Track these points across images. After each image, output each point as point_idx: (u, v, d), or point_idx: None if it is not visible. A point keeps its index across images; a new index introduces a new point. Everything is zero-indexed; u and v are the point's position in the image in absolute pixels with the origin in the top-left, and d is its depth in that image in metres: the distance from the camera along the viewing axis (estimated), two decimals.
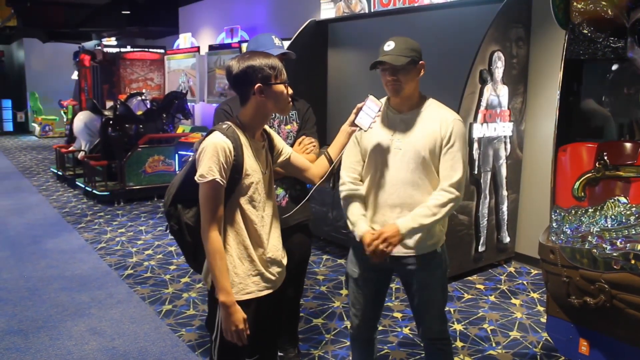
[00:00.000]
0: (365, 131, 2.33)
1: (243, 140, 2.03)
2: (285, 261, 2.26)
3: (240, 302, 2.04)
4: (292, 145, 2.73)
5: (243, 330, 2.01)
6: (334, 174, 2.47)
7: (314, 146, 2.73)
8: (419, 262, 2.37)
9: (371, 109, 2.26)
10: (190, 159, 2.16)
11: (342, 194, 2.47)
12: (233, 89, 2.09)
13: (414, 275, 2.39)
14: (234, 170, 1.98)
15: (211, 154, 1.94)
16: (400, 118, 2.35)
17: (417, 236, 2.32)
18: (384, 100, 2.43)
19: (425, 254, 2.36)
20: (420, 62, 2.29)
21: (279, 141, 2.27)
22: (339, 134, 2.39)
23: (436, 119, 2.30)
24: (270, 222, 2.16)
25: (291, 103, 2.16)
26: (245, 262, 2.06)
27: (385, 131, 2.36)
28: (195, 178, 1.96)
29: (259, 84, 2.00)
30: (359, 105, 2.28)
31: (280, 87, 2.04)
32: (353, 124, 2.31)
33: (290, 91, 2.10)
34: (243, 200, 2.04)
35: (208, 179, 1.93)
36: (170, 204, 2.12)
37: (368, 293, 2.50)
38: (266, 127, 2.23)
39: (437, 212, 2.25)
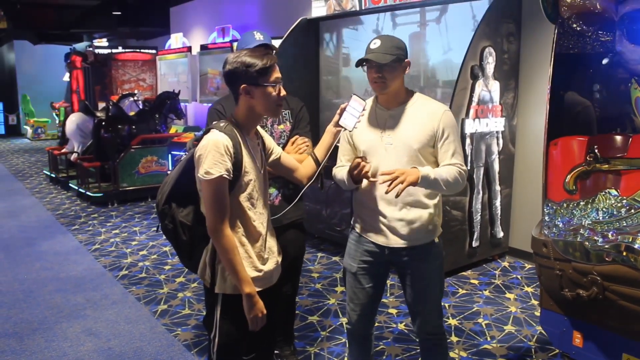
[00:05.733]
0: (350, 131, 2.35)
1: (240, 138, 2.04)
2: (280, 258, 2.27)
3: (238, 297, 2.05)
4: (285, 145, 2.73)
5: (265, 316, 2.08)
6: (321, 174, 2.48)
7: (307, 146, 2.71)
8: (416, 253, 2.38)
9: (355, 108, 2.27)
10: (183, 158, 2.16)
11: (334, 176, 2.50)
12: (227, 85, 2.09)
13: (411, 266, 2.41)
14: (234, 167, 1.99)
15: (214, 151, 1.94)
16: (389, 114, 2.36)
17: (415, 227, 2.35)
18: (371, 99, 2.44)
19: (422, 245, 2.38)
20: (406, 60, 2.31)
21: (269, 141, 2.28)
22: (324, 134, 2.40)
23: (425, 112, 2.33)
24: (266, 219, 2.18)
25: (281, 105, 2.15)
26: (243, 258, 2.07)
27: (375, 128, 2.38)
28: (200, 175, 1.96)
29: (244, 85, 2.00)
30: (342, 105, 2.30)
31: (268, 89, 2.03)
32: (338, 125, 2.32)
33: (283, 93, 2.09)
34: (242, 198, 2.06)
35: (215, 176, 1.93)
36: (164, 202, 2.12)
37: (367, 287, 2.51)
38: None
39: (450, 173, 2.27)
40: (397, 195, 2.14)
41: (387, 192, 2.15)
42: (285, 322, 3.16)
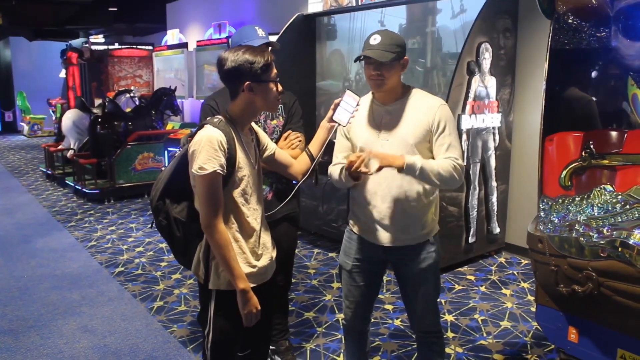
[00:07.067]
0: (344, 126, 2.33)
1: (234, 134, 2.04)
2: (274, 254, 2.27)
3: (232, 293, 2.04)
4: (278, 140, 2.72)
5: (259, 311, 2.09)
6: (316, 170, 2.46)
7: (300, 141, 2.70)
8: (412, 252, 2.38)
9: (349, 103, 2.27)
10: (177, 154, 2.16)
11: (330, 175, 2.46)
12: (223, 82, 2.08)
13: (408, 265, 2.40)
14: (228, 163, 1.99)
15: (208, 146, 1.94)
16: (386, 110, 2.35)
17: (410, 226, 2.34)
18: (367, 95, 2.43)
19: (418, 244, 2.37)
20: (404, 57, 2.30)
21: (263, 136, 2.28)
22: (318, 130, 2.39)
23: (422, 107, 2.31)
24: (260, 215, 2.18)
25: (280, 101, 2.16)
26: (237, 254, 2.07)
27: (372, 123, 2.37)
28: (193, 170, 1.95)
29: (248, 82, 2.00)
30: (336, 100, 2.29)
31: (270, 85, 2.05)
32: (332, 120, 2.32)
33: (280, 88, 2.10)
34: (236, 194, 2.06)
35: (208, 171, 1.93)
36: (158, 198, 2.12)
37: (362, 285, 2.50)
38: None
39: (443, 166, 2.22)
40: (372, 170, 2.15)
41: (371, 173, 2.16)
42: (279, 315, 3.15)
